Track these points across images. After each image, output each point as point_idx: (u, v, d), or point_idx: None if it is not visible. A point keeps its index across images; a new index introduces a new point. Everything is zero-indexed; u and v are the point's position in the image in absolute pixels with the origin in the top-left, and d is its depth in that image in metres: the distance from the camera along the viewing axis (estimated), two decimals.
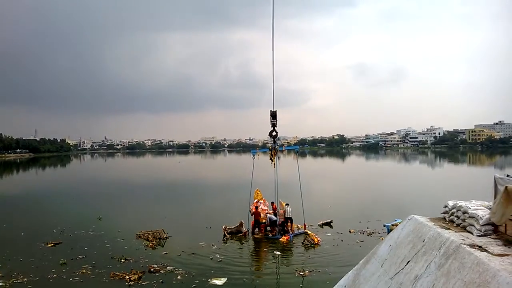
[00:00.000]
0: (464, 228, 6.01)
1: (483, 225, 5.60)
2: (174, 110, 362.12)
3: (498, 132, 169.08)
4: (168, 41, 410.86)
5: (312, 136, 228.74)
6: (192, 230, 18.72)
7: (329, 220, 19.12)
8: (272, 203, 17.94)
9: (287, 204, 17.07)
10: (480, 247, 4.97)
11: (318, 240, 15.49)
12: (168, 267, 12.67)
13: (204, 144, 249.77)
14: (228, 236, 16.79)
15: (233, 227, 17.34)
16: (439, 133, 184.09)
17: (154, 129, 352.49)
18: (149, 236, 16.49)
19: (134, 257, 13.87)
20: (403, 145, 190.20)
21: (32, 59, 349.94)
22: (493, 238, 5.43)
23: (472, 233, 5.69)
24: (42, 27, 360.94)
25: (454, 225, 6.30)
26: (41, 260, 13.68)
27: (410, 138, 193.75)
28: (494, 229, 5.62)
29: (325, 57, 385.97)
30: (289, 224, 16.75)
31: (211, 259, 13.68)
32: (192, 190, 36.17)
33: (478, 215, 5.76)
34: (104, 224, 19.68)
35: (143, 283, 11.38)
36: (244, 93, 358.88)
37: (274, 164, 17.13)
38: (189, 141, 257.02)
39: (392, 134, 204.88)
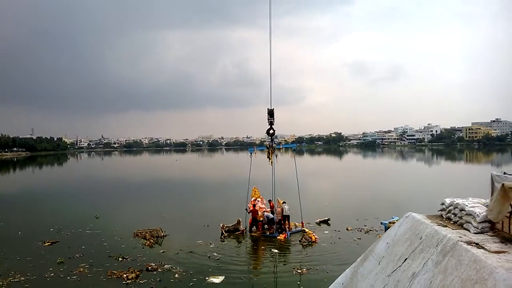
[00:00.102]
0: (461, 226, 6.02)
1: (480, 223, 5.62)
2: (172, 108, 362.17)
3: (495, 130, 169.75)
4: (168, 39, 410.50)
5: (309, 134, 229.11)
6: (190, 228, 18.69)
7: (326, 218, 19.14)
8: (270, 201, 17.94)
9: (284, 202, 17.06)
10: (477, 244, 4.98)
11: (315, 238, 15.52)
12: (165, 266, 12.66)
13: (201, 143, 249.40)
14: (226, 234, 16.78)
15: (230, 225, 17.33)
16: (436, 131, 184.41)
17: (151, 128, 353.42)
18: (147, 234, 16.47)
19: (131, 255, 13.84)
20: (400, 143, 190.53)
21: (32, 58, 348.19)
22: (490, 236, 5.45)
23: (469, 231, 5.70)
24: (42, 26, 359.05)
25: (451, 222, 6.31)
26: (39, 259, 13.63)
27: (407, 136, 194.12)
28: (491, 227, 5.63)
29: (322, 55, 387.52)
30: (286, 222, 16.77)
31: (209, 257, 13.67)
32: (190, 189, 36.13)
33: (475, 213, 5.77)
34: (102, 223, 19.65)
35: (140, 281, 11.36)
36: (242, 91, 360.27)
37: (272, 162, 17.14)
38: (187, 139, 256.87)
39: (389, 132, 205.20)
